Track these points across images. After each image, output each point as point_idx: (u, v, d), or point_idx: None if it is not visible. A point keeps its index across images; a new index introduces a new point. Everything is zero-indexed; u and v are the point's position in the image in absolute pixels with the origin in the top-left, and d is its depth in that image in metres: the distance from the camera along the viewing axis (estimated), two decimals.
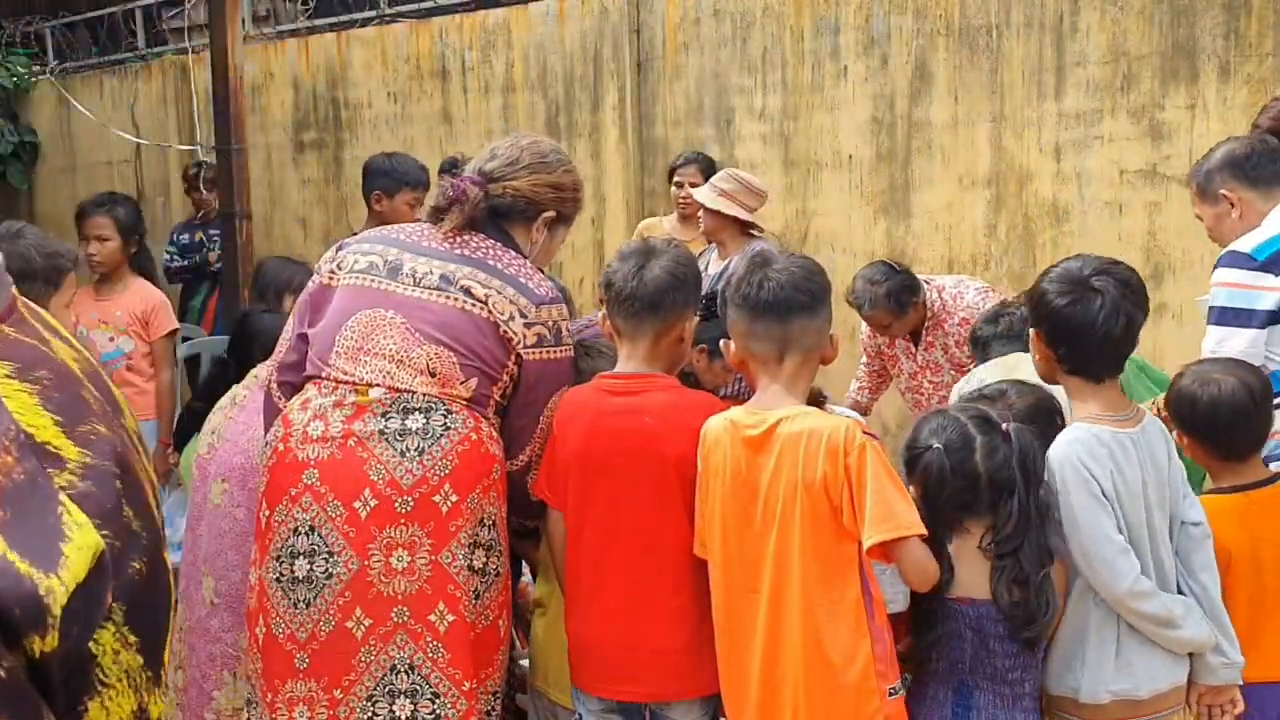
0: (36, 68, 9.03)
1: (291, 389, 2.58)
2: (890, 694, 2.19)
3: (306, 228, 7.57)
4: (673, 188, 5.60)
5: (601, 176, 6.28)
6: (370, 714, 2.35)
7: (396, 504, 2.34)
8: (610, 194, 6.26)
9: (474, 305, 2.44)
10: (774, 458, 2.21)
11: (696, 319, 2.51)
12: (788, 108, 5.65)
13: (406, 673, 2.35)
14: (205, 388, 3.73)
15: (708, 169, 5.43)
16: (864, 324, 4.39)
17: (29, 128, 9.04)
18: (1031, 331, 2.42)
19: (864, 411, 4.61)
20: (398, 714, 2.35)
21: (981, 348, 3.39)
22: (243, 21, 6.71)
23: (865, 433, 2.18)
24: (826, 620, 2.17)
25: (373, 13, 7.28)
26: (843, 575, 2.18)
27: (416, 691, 2.35)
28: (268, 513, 2.45)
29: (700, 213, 4.76)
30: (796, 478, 2.17)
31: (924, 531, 2.15)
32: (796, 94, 5.63)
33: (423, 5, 7.12)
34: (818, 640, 2.17)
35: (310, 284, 2.63)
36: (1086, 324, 2.28)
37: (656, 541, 2.38)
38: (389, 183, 4.53)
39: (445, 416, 2.39)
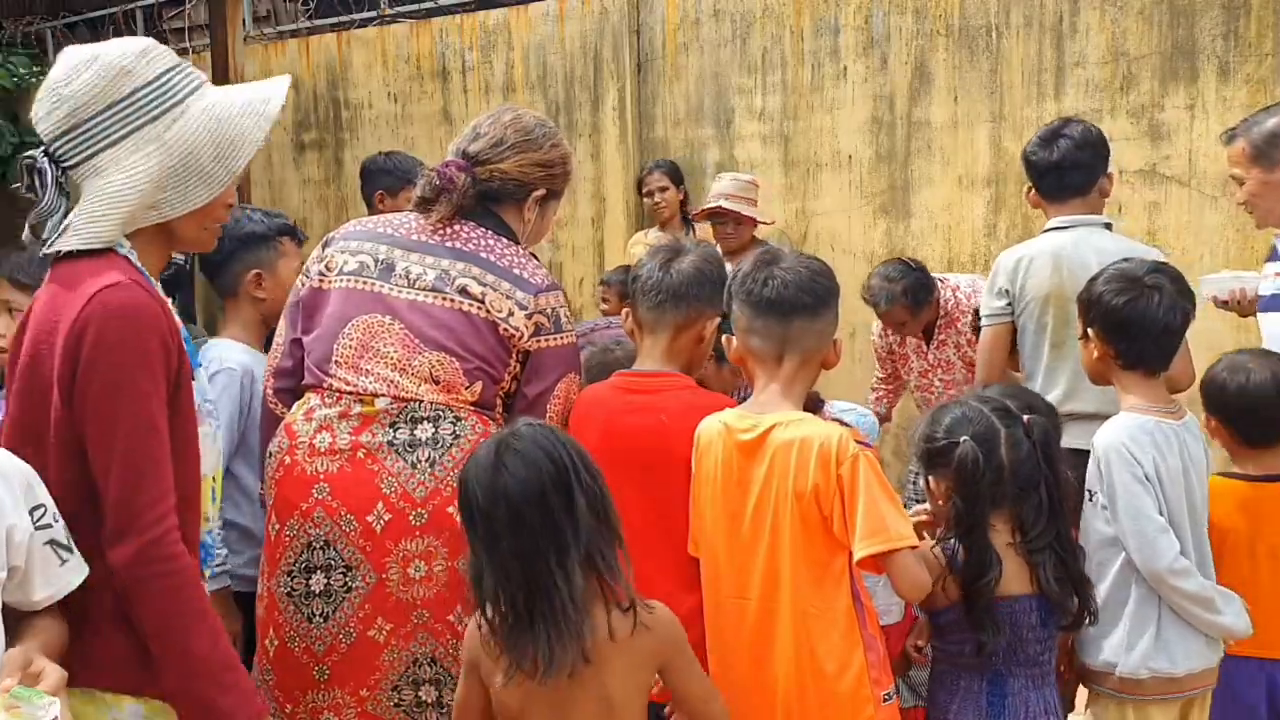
0: (37, 68, 9.03)
1: (289, 396, 2.52)
2: (884, 700, 2.18)
3: (307, 228, 7.56)
4: (644, 199, 5.68)
5: (601, 176, 6.28)
6: (397, 700, 2.34)
7: (411, 517, 2.31)
8: (610, 194, 6.27)
9: (471, 305, 2.39)
10: (766, 464, 2.19)
11: (717, 321, 2.49)
12: (788, 108, 5.66)
13: (429, 664, 2.33)
14: None
15: (671, 172, 5.59)
16: (875, 324, 4.39)
17: (29, 128, 9.04)
18: (1090, 332, 2.52)
19: (884, 420, 4.61)
20: (423, 698, 2.34)
21: None
22: (243, 22, 6.71)
23: (858, 441, 2.17)
24: (819, 628, 2.15)
25: (373, 13, 7.29)
26: (834, 584, 2.16)
27: (440, 680, 2.33)
28: (278, 526, 2.40)
29: (723, 234, 4.81)
30: (788, 486, 2.15)
31: (916, 543, 2.13)
32: (796, 94, 5.63)
33: (423, 5, 7.12)
34: (810, 648, 2.15)
35: (299, 286, 2.55)
36: (1149, 319, 2.43)
37: (666, 541, 2.36)
38: (392, 181, 4.47)
39: (454, 424, 2.35)
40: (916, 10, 5.24)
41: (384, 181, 4.47)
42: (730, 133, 5.85)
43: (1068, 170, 3.42)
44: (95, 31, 8.76)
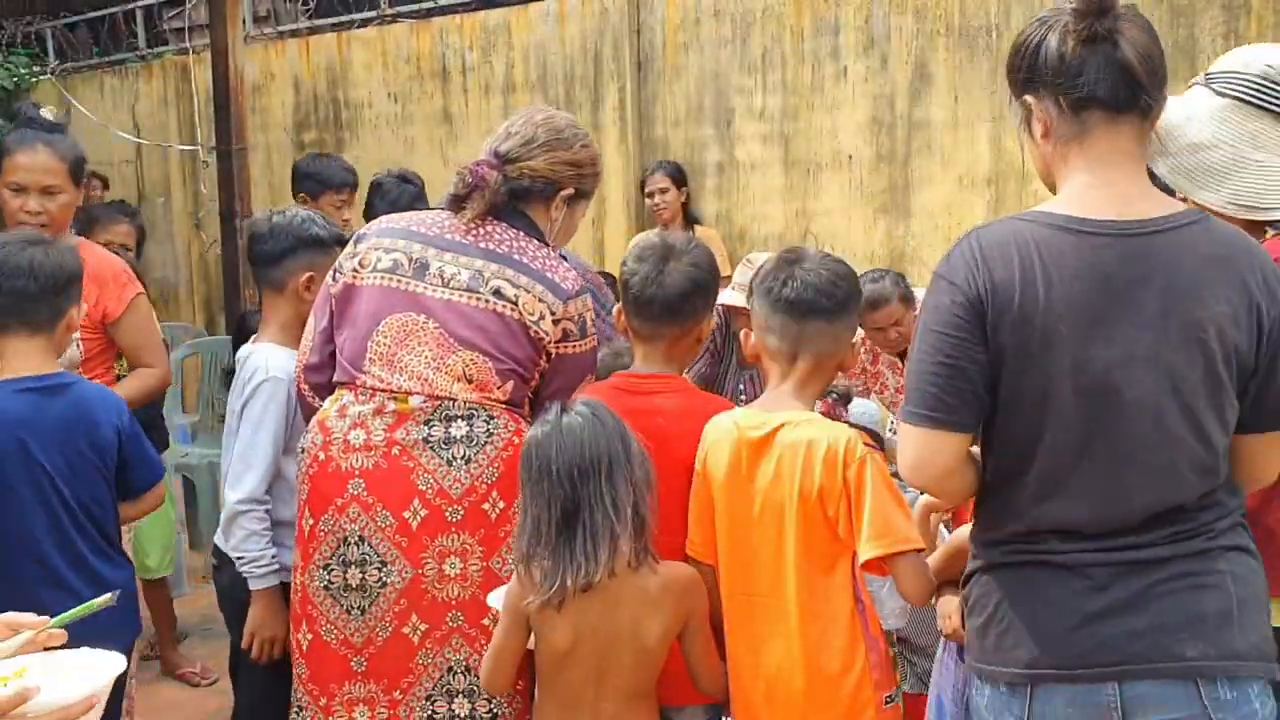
0: (37, 68, 9.03)
1: (322, 389, 2.55)
2: (886, 703, 2.18)
3: None
4: (646, 200, 5.68)
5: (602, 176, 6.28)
6: (430, 713, 2.36)
7: (447, 513, 2.34)
8: (610, 194, 6.26)
9: (505, 306, 2.41)
10: (773, 463, 2.19)
11: (714, 321, 2.50)
12: (788, 108, 5.66)
13: (463, 674, 2.36)
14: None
15: (674, 173, 5.62)
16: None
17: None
18: None
19: None
20: (457, 712, 2.36)
21: None
22: (243, 21, 6.71)
23: (867, 444, 2.16)
24: (823, 629, 2.15)
25: (373, 13, 7.29)
26: (839, 586, 2.16)
27: (474, 692, 2.36)
28: (311, 521, 2.43)
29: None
30: (794, 486, 2.15)
31: (922, 546, 2.13)
32: (796, 94, 5.63)
33: (423, 5, 7.12)
34: (814, 648, 2.15)
35: (331, 281, 2.56)
36: None
37: (663, 543, 2.35)
38: (313, 185, 4.62)
39: (488, 422, 2.37)
40: (916, 10, 5.24)
41: (306, 185, 4.64)
42: (730, 133, 5.85)
43: None
44: (95, 31, 8.76)
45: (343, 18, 7.44)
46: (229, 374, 3.66)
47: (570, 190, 2.55)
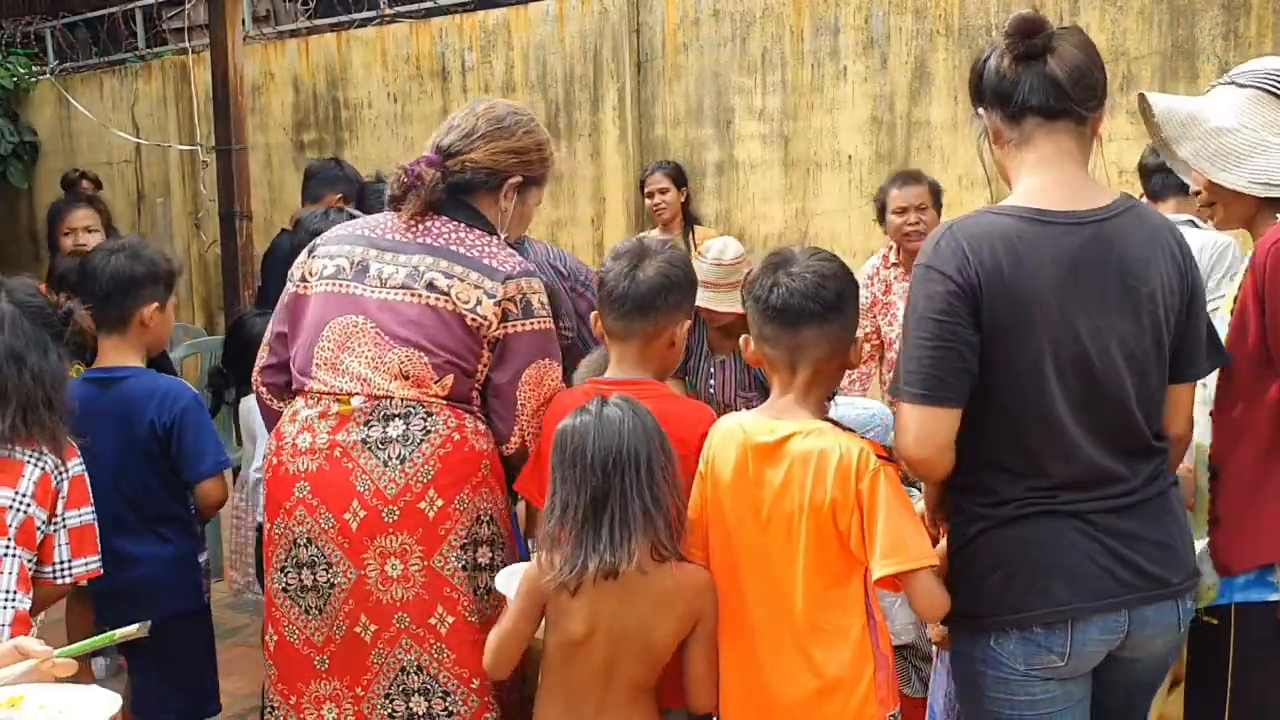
0: (36, 68, 9.04)
1: (278, 389, 2.58)
2: None
3: None
4: (646, 200, 5.67)
5: (601, 176, 6.28)
6: (390, 711, 2.37)
7: (384, 514, 2.34)
8: (610, 194, 6.26)
9: (438, 299, 2.41)
10: (783, 472, 2.13)
11: (689, 323, 2.47)
12: (788, 108, 5.66)
13: (416, 673, 2.36)
14: (213, 404, 3.80)
15: (674, 173, 5.57)
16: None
17: (29, 128, 9.04)
18: None
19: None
20: (414, 710, 2.37)
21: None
22: (243, 22, 6.72)
23: (880, 455, 2.10)
24: (829, 643, 2.11)
25: (373, 13, 7.29)
26: (849, 599, 2.11)
27: (429, 690, 2.36)
28: (268, 525, 2.46)
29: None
30: (804, 498, 2.09)
31: (936, 562, 2.06)
32: (796, 94, 5.63)
33: (423, 5, 7.13)
34: (820, 661, 2.12)
35: (286, 291, 2.59)
36: None
37: None
38: (348, 187, 4.69)
39: (425, 420, 2.37)
40: (916, 10, 5.24)
41: (341, 186, 4.71)
42: (730, 133, 5.85)
43: (1170, 171, 3.67)
44: (95, 31, 8.77)
45: (342, 18, 7.44)
46: (216, 373, 3.67)
47: (518, 178, 2.53)
